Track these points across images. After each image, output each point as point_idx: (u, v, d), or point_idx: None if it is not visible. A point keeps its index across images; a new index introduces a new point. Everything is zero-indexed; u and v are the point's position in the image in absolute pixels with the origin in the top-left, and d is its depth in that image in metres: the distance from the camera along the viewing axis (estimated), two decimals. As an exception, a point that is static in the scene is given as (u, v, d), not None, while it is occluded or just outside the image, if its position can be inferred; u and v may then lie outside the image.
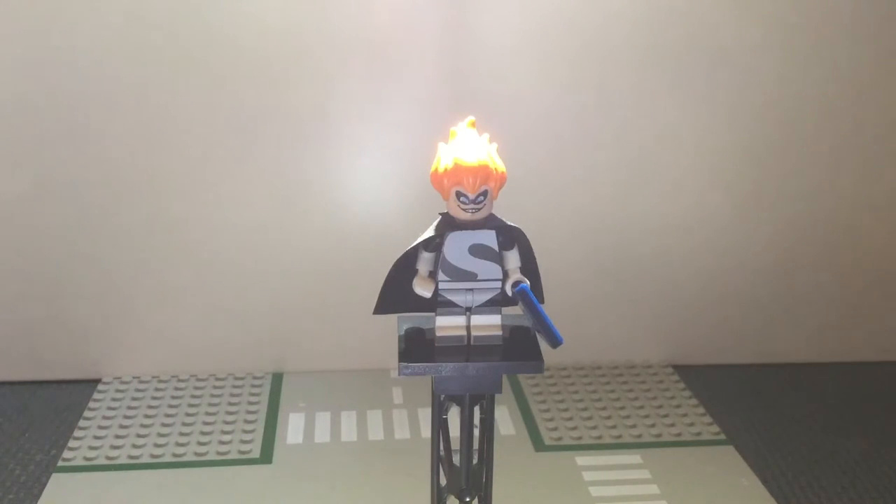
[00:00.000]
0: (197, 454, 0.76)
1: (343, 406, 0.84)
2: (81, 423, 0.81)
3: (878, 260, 0.92)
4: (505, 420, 0.82)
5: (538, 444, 0.78)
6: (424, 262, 0.48)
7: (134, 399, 0.85)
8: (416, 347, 0.49)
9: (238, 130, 0.83)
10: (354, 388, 0.87)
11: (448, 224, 0.47)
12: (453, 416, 0.51)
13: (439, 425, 0.51)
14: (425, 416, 0.81)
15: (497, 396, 0.51)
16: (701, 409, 0.84)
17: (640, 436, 0.79)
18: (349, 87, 0.82)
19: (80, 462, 0.75)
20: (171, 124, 0.82)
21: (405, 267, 0.48)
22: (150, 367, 0.89)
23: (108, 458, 0.75)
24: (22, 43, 0.78)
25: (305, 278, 0.87)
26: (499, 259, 0.48)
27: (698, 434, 0.80)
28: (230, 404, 0.84)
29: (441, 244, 0.47)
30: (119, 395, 0.85)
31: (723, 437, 0.80)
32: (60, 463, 0.75)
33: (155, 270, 0.86)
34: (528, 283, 0.47)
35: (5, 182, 0.82)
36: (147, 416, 0.82)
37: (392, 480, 0.72)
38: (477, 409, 0.51)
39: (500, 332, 0.49)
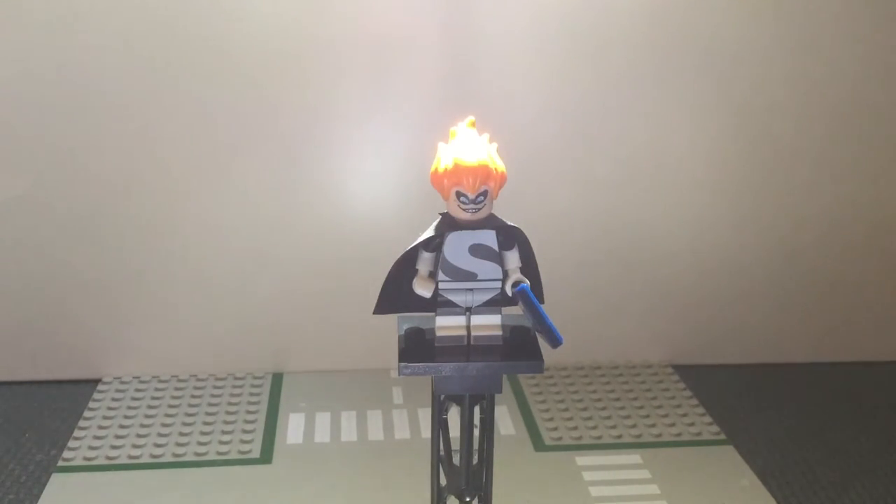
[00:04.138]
0: (197, 454, 0.76)
1: (343, 406, 0.84)
2: (81, 423, 0.81)
3: (878, 260, 0.92)
4: (505, 420, 0.82)
5: (538, 444, 0.78)
6: (424, 262, 0.48)
7: (134, 399, 0.85)
8: (416, 347, 0.49)
9: (238, 130, 0.83)
10: (354, 388, 0.87)
11: (448, 224, 0.47)
12: (453, 416, 0.51)
13: (439, 425, 0.51)
14: (425, 416, 0.81)
15: (497, 396, 0.51)
16: (701, 409, 0.84)
17: (640, 436, 0.79)
18: (349, 87, 0.82)
19: (80, 462, 0.75)
20: (171, 124, 0.82)
21: (405, 267, 0.48)
22: (150, 367, 0.89)
23: (108, 458, 0.75)
24: (24, 43, 0.78)
25: (305, 278, 0.87)
26: (499, 259, 0.48)
27: (698, 434, 0.80)
28: (230, 404, 0.84)
29: (441, 244, 0.47)
30: (119, 395, 0.85)
31: (723, 437, 0.80)
32: (60, 463, 0.75)
33: (155, 270, 0.86)
34: (528, 283, 0.47)
35: (5, 182, 0.82)
36: (147, 416, 0.82)
37: (392, 480, 0.72)
38: (477, 409, 0.51)
39: (499, 332, 0.49)
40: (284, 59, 0.81)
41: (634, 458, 0.76)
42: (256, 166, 0.84)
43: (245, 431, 0.79)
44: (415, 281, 0.48)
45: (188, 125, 0.82)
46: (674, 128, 0.86)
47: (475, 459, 0.52)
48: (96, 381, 0.88)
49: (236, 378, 0.89)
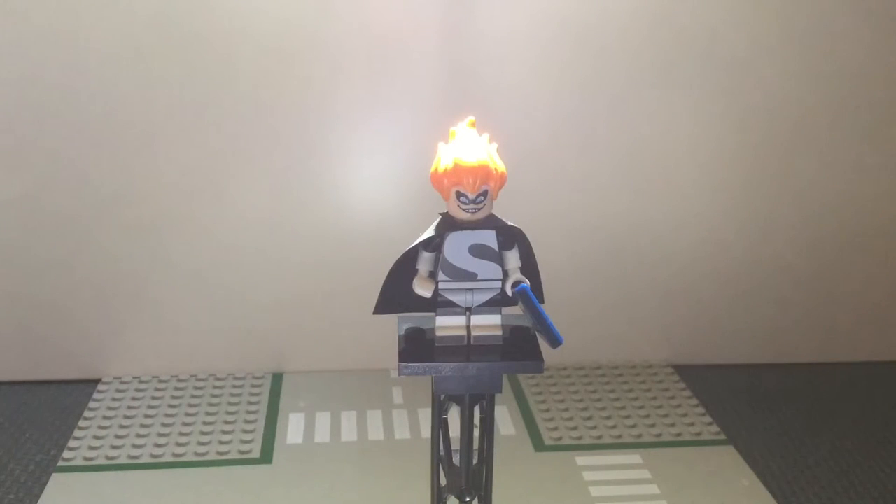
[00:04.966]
0: (197, 454, 0.76)
1: (343, 406, 0.84)
2: (81, 423, 0.81)
3: (878, 259, 0.92)
4: (505, 420, 0.82)
5: (538, 444, 0.78)
6: (424, 262, 0.48)
7: (134, 399, 0.85)
8: (416, 347, 0.49)
9: (238, 131, 0.83)
10: (354, 388, 0.87)
11: (448, 224, 0.47)
12: (453, 416, 0.51)
13: (439, 425, 0.51)
14: (425, 416, 0.81)
15: (497, 396, 0.51)
16: (701, 409, 0.84)
17: (640, 436, 0.79)
18: (349, 87, 0.82)
19: (80, 462, 0.75)
20: (171, 125, 0.82)
21: (405, 267, 0.48)
22: (150, 367, 0.89)
23: (108, 458, 0.75)
24: (24, 46, 0.78)
25: (305, 278, 0.87)
26: (499, 259, 0.48)
27: (698, 434, 0.80)
28: (230, 404, 0.84)
29: (441, 244, 0.47)
30: (119, 395, 0.85)
31: (723, 437, 0.80)
32: (60, 463, 0.75)
33: (155, 271, 0.86)
34: (528, 283, 0.47)
35: (5, 182, 0.82)
36: (147, 416, 0.82)
37: (392, 480, 0.72)
38: (477, 409, 0.51)
39: (499, 332, 0.49)
40: (284, 59, 0.81)
41: (634, 458, 0.76)
42: (256, 167, 0.84)
43: (245, 431, 0.79)
44: (415, 281, 0.48)
45: (187, 126, 0.82)
46: (674, 128, 0.86)
47: (475, 459, 0.52)
48: (96, 381, 0.88)
49: (236, 378, 0.89)
